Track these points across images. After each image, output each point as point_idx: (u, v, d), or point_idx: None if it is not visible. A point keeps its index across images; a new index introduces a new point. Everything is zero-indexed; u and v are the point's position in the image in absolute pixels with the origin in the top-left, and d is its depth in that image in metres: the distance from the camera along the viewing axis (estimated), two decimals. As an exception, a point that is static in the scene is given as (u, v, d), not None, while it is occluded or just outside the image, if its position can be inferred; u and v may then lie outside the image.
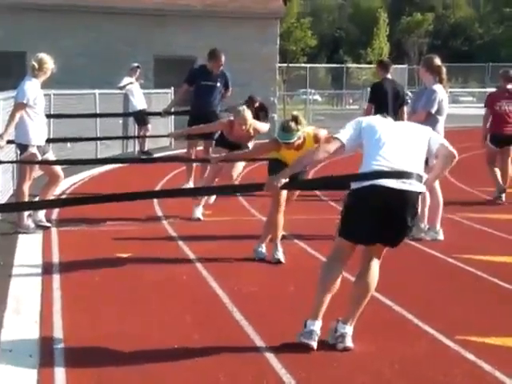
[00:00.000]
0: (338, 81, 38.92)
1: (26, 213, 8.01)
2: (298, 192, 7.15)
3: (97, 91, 15.36)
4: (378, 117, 4.90)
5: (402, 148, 4.56)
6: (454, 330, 5.02)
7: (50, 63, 7.96)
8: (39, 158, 7.99)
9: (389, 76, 10.74)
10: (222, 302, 5.65)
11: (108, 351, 4.60)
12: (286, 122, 6.34)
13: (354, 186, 4.57)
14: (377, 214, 4.47)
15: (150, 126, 16.23)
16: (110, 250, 7.23)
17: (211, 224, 8.64)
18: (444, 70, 8.09)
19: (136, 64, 16.62)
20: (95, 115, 14.65)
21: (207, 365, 4.41)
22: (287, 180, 4.98)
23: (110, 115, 15.40)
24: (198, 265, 6.77)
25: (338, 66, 41.27)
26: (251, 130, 8.19)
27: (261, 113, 12.29)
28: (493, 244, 7.89)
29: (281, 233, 6.95)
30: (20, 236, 7.78)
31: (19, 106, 7.84)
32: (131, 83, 16.14)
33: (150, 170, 11.92)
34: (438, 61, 8.10)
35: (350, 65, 43.90)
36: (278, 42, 22.53)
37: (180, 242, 7.70)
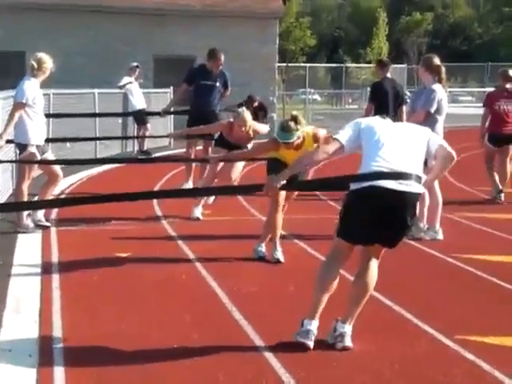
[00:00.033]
0: (338, 80, 38.92)
1: (26, 212, 8.01)
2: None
3: (96, 91, 15.36)
4: (377, 118, 4.91)
5: (401, 149, 4.57)
6: (454, 329, 5.02)
7: (49, 63, 7.96)
8: (38, 157, 7.99)
9: (388, 75, 10.75)
10: (222, 301, 5.65)
11: (107, 351, 4.60)
12: (285, 121, 6.34)
13: (354, 186, 4.57)
14: (376, 214, 4.47)
15: (149, 125, 16.23)
16: (110, 250, 7.23)
17: (210, 224, 8.64)
18: (443, 69, 8.10)
19: (135, 63, 16.62)
20: (94, 115, 14.65)
21: (206, 364, 4.41)
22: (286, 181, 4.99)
23: (109, 115, 15.41)
24: (198, 264, 6.77)
25: (338, 65, 41.26)
26: (251, 132, 8.18)
27: (260, 112, 12.29)
28: (492, 244, 7.90)
29: (280, 232, 6.95)
30: (19, 235, 7.78)
31: (18, 105, 7.84)
32: (130, 83, 16.14)
33: (149, 170, 11.91)
34: (437, 60, 8.10)
35: (349, 64, 43.88)
36: (278, 42, 22.54)
37: (179, 242, 7.70)
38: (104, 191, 6.65)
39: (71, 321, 5.12)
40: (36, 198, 8.27)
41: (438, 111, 7.92)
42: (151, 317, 5.28)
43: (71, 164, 11.64)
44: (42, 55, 7.99)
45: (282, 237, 7.17)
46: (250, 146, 8.56)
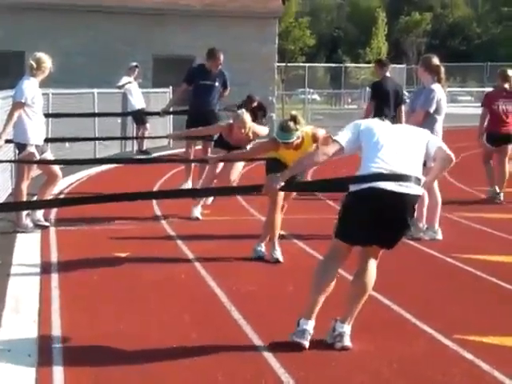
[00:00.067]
0: (337, 80, 38.89)
1: (25, 212, 8.01)
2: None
3: (95, 90, 15.35)
4: (376, 120, 4.92)
5: (400, 151, 4.57)
6: (453, 329, 5.03)
7: (48, 62, 7.96)
8: (37, 157, 7.99)
9: (388, 74, 10.76)
10: (221, 301, 5.66)
11: (106, 350, 4.60)
12: (284, 121, 6.35)
13: (353, 188, 4.58)
14: (375, 216, 4.48)
15: (148, 125, 16.23)
16: (109, 250, 7.23)
17: (210, 223, 8.64)
18: (442, 69, 8.10)
19: (134, 63, 16.62)
20: (94, 114, 14.64)
21: (206, 364, 4.41)
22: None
23: (108, 114, 15.40)
24: (197, 264, 6.77)
25: (337, 65, 41.23)
26: (250, 134, 8.17)
27: (259, 112, 12.28)
28: (491, 243, 7.90)
29: (278, 232, 6.95)
30: (18, 235, 7.77)
31: (17, 105, 7.83)
32: (130, 82, 16.14)
33: (148, 170, 11.91)
34: (436, 60, 8.10)
35: (348, 64, 43.85)
36: (277, 42, 22.54)
37: (179, 242, 7.70)
38: (103, 191, 6.66)
39: (70, 320, 5.12)
40: (35, 198, 8.27)
41: (437, 111, 7.92)
42: (150, 316, 5.28)
43: (70, 164, 11.64)
44: (41, 55, 7.99)
45: (281, 237, 7.18)
46: (249, 146, 8.55)
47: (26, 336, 4.83)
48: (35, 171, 8.59)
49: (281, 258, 6.86)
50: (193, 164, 10.39)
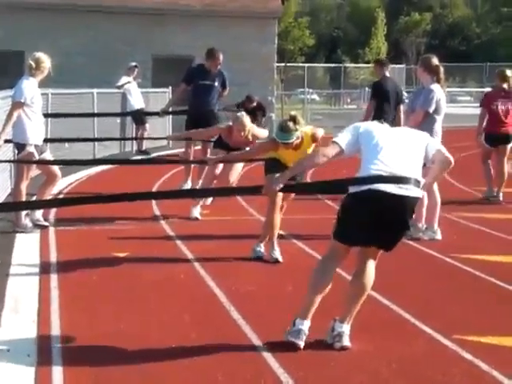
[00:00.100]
0: (336, 80, 38.93)
1: (24, 212, 8.01)
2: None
3: (95, 90, 15.34)
4: (376, 123, 4.93)
5: (399, 153, 4.58)
6: (452, 329, 5.03)
7: (47, 62, 7.95)
8: (37, 157, 7.99)
9: (387, 74, 10.76)
10: (220, 301, 5.66)
11: (106, 350, 4.60)
12: (284, 121, 6.35)
13: (352, 189, 4.59)
14: (375, 217, 4.48)
15: (147, 125, 16.23)
16: (108, 250, 7.23)
17: (209, 223, 8.64)
18: (442, 69, 8.10)
19: (134, 63, 16.62)
20: (93, 114, 14.63)
21: (205, 364, 4.42)
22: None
23: (107, 114, 15.40)
24: (196, 264, 6.78)
25: (336, 65, 41.27)
26: (250, 136, 8.16)
27: (258, 112, 12.29)
28: (490, 244, 7.90)
29: (277, 232, 6.95)
30: (18, 235, 7.77)
31: (17, 104, 7.83)
32: (129, 82, 16.14)
33: (148, 170, 11.90)
34: (435, 60, 8.10)
35: (347, 64, 43.91)
36: (276, 42, 22.55)
37: (178, 242, 7.70)
38: (102, 191, 6.65)
39: (70, 320, 5.12)
40: (34, 198, 8.26)
41: (436, 111, 7.92)
42: (150, 316, 5.28)
43: (69, 164, 11.63)
44: (40, 55, 7.99)
45: (281, 237, 7.18)
46: (247, 148, 8.55)
47: (25, 336, 4.83)
48: (34, 171, 8.59)
49: (280, 258, 6.86)
50: (192, 164, 10.39)
